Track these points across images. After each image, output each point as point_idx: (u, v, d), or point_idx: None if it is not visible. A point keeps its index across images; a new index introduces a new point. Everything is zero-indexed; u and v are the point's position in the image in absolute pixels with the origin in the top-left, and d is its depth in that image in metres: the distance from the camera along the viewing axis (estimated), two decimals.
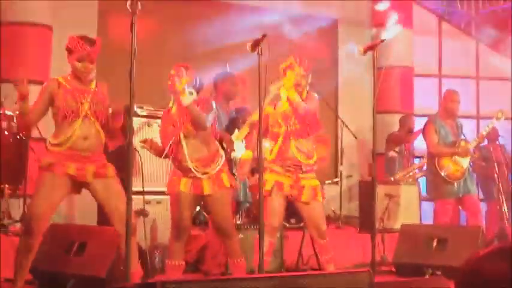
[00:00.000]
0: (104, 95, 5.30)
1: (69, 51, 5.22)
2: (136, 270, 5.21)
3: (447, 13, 12.98)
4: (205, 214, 7.14)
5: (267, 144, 6.02)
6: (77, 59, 5.19)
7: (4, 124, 7.17)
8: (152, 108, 7.04)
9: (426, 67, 12.11)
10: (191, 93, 5.38)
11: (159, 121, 6.52)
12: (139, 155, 6.43)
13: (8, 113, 7.21)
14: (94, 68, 5.29)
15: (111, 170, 5.25)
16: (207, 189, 5.53)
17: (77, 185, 5.25)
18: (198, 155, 5.52)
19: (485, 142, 9.65)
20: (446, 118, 8.10)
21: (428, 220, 9.23)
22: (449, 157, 7.94)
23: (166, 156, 5.57)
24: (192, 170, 5.46)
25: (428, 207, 9.99)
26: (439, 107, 8.24)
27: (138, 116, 6.82)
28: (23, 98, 5.07)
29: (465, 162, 7.97)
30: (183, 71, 5.41)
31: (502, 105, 11.29)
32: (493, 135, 10.39)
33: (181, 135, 5.48)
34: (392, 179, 9.35)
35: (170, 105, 5.67)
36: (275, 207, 5.84)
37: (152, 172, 6.87)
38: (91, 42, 5.23)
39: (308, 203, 5.85)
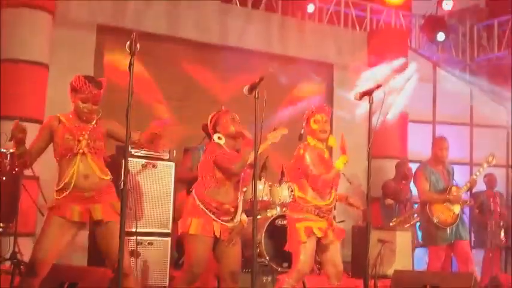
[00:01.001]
0: (101, 132, 5.28)
1: (74, 90, 5.19)
2: None
3: (442, 60, 13.08)
4: None
5: None
6: (82, 99, 5.17)
7: None
8: (148, 151, 7.02)
9: (421, 113, 12.16)
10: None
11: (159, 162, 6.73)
12: (133, 195, 6.42)
13: (2, 150, 7.18)
14: (97, 109, 5.27)
15: (117, 207, 5.09)
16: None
17: (84, 224, 5.24)
18: (235, 199, 5.60)
19: (484, 188, 9.67)
20: (436, 165, 8.11)
21: (421, 266, 9.19)
22: (441, 203, 7.95)
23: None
24: (233, 215, 5.53)
25: (421, 253, 9.97)
26: (430, 154, 8.25)
27: (135, 157, 6.80)
28: (20, 142, 5.04)
29: (457, 208, 7.98)
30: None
31: (496, 151, 11.35)
32: (491, 183, 10.42)
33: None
34: (391, 224, 9.36)
35: (219, 141, 5.67)
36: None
37: (145, 212, 6.83)
38: (97, 84, 5.21)
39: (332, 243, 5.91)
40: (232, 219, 5.55)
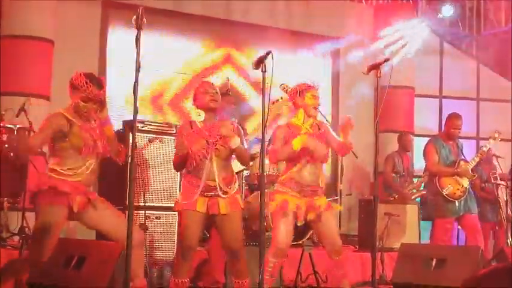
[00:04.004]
0: (103, 133, 5.28)
1: (75, 88, 5.13)
2: (140, 285, 5.25)
3: (449, 34, 13.01)
4: (205, 231, 7.11)
5: None
6: (82, 99, 5.10)
7: (4, 137, 7.15)
8: (156, 124, 7.02)
9: (427, 87, 12.14)
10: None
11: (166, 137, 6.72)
12: (140, 170, 6.45)
13: (9, 126, 7.20)
14: (97, 107, 5.21)
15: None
16: (224, 208, 5.51)
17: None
18: (223, 174, 5.52)
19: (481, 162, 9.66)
20: (448, 139, 8.15)
21: (426, 240, 9.23)
22: (450, 176, 7.99)
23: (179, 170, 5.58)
24: (217, 188, 5.45)
25: (426, 226, 9.99)
26: (443, 129, 8.27)
27: (142, 132, 6.80)
28: None
29: (465, 181, 8.04)
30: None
31: (502, 126, 11.32)
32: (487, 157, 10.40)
33: (212, 154, 5.47)
34: (391, 199, 9.36)
35: (197, 119, 5.64)
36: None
37: (152, 187, 6.85)
38: (99, 84, 5.16)
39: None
40: (217, 194, 5.51)
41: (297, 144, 5.76)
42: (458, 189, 7.99)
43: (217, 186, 5.44)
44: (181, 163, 5.53)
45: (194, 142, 5.42)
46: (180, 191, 5.67)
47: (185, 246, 5.51)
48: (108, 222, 5.21)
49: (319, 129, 6.03)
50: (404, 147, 10.24)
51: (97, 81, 5.17)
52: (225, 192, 5.49)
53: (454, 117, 8.29)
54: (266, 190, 5.30)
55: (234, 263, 5.64)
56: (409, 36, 11.43)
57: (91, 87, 5.08)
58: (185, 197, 5.51)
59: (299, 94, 5.98)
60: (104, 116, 5.22)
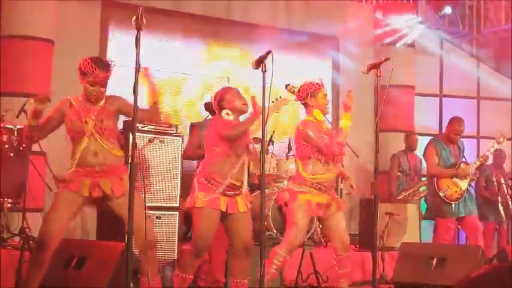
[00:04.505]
0: (110, 111, 5.33)
1: (82, 73, 5.23)
2: (156, 285, 5.37)
3: (449, 33, 13.01)
4: None
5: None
6: (89, 83, 5.22)
7: (4, 138, 7.15)
8: (155, 125, 7.01)
9: (427, 86, 12.13)
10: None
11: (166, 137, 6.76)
12: (141, 170, 6.44)
13: (9, 126, 7.20)
14: (105, 90, 5.34)
15: (127, 184, 5.21)
16: (242, 206, 5.57)
17: (96, 199, 5.32)
18: (240, 174, 5.58)
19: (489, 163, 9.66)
20: (448, 142, 8.14)
21: (427, 239, 9.23)
22: (449, 178, 8.00)
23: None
24: (243, 187, 5.56)
25: (426, 226, 10.00)
26: (443, 128, 8.27)
27: (142, 132, 6.78)
28: (38, 115, 5.14)
29: (464, 184, 8.04)
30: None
31: (502, 125, 11.33)
32: (499, 159, 10.42)
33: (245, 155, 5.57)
34: (398, 198, 9.41)
35: (227, 118, 5.66)
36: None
37: (152, 187, 6.84)
38: (105, 67, 5.25)
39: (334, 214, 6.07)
40: (239, 193, 5.56)
41: (346, 123, 5.97)
42: (456, 191, 7.99)
43: (242, 186, 5.53)
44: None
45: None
46: (194, 188, 5.62)
47: (202, 244, 5.53)
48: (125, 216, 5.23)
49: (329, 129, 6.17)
50: (410, 146, 10.28)
51: (103, 64, 5.27)
52: (240, 191, 5.58)
53: (455, 121, 8.22)
54: (266, 190, 5.33)
55: (241, 262, 5.66)
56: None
57: (96, 70, 5.18)
58: (206, 194, 5.49)
59: (311, 95, 6.03)
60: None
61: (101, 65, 5.23)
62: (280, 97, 5.74)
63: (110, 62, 5.34)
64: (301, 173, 6.02)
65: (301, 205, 5.93)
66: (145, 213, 5.17)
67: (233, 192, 5.53)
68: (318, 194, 5.96)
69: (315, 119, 6.05)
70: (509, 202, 9.68)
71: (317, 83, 6.08)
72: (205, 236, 5.50)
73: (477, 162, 8.18)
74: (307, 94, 6.05)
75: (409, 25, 11.51)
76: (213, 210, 5.47)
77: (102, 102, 5.33)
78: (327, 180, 6.00)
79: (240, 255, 5.66)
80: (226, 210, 5.50)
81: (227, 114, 5.64)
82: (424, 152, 8.43)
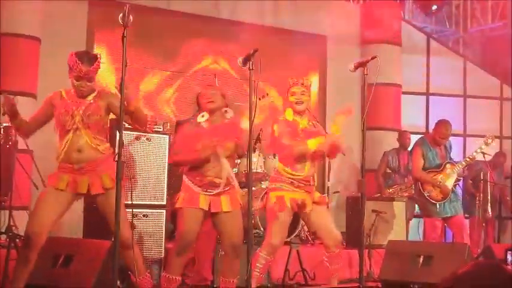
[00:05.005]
0: (99, 106, 5.29)
1: (69, 67, 5.20)
2: (145, 280, 5.42)
3: (435, 31, 13.07)
4: None
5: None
6: (75, 77, 5.19)
7: None
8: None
9: (414, 85, 12.17)
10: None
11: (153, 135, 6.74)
12: (127, 168, 6.42)
13: None
14: (93, 84, 5.29)
15: (108, 181, 5.19)
16: (226, 206, 5.54)
17: (80, 196, 5.33)
18: (228, 172, 5.55)
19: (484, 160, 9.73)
20: (434, 144, 8.16)
21: (414, 236, 9.27)
22: (432, 184, 8.03)
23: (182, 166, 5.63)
24: (221, 186, 5.48)
25: (416, 223, 10.06)
26: (430, 127, 8.28)
27: (129, 129, 6.77)
28: (13, 114, 5.11)
29: (449, 183, 8.03)
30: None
31: (489, 123, 11.39)
32: (498, 160, 10.51)
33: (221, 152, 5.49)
34: (388, 192, 9.47)
35: (200, 120, 5.66)
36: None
37: (139, 185, 6.83)
38: (89, 60, 5.18)
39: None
40: (224, 192, 5.54)
41: (312, 144, 5.83)
42: (440, 191, 8.02)
43: (222, 184, 5.47)
44: (189, 162, 5.56)
45: (199, 141, 5.49)
46: (181, 188, 5.64)
47: (183, 243, 5.53)
48: (112, 217, 5.19)
49: (314, 127, 6.09)
50: (403, 144, 10.32)
51: (88, 58, 5.22)
52: (225, 190, 5.54)
53: (442, 125, 8.19)
54: (253, 188, 5.32)
55: (230, 261, 5.65)
56: None
57: (80, 65, 5.13)
58: (186, 194, 5.53)
59: (287, 92, 6.06)
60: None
61: (85, 59, 5.17)
62: (267, 94, 5.76)
63: (96, 56, 5.29)
64: (278, 168, 6.05)
65: (275, 203, 5.91)
66: (132, 212, 5.16)
67: (214, 191, 5.50)
68: (292, 190, 5.94)
69: (285, 118, 6.05)
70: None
71: (292, 80, 6.09)
72: (186, 234, 5.51)
73: (463, 163, 8.20)
74: (286, 91, 6.11)
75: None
76: (192, 209, 5.48)
77: (92, 96, 5.29)
78: (303, 177, 5.96)
79: (228, 254, 5.66)
80: (210, 209, 5.51)
81: (202, 116, 5.67)
82: (410, 152, 8.46)
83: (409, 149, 10.28)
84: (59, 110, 5.22)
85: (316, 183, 6.17)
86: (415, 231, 9.98)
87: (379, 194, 9.75)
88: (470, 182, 10.26)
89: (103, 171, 5.21)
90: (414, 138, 8.66)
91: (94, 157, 5.23)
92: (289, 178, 5.92)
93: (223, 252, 5.83)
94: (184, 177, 5.61)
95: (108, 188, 5.18)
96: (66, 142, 5.18)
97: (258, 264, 5.86)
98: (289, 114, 6.04)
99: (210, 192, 5.49)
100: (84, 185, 5.20)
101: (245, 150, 5.75)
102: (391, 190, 9.73)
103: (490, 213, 9.87)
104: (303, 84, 6.07)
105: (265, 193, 6.23)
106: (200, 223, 5.56)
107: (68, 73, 5.24)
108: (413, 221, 10.03)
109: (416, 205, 9.16)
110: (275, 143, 5.99)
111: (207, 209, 5.49)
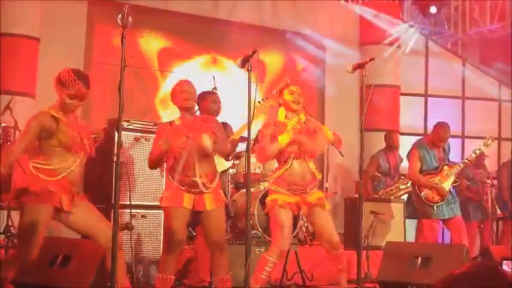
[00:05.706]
0: (87, 128, 5.31)
1: (62, 84, 5.04)
2: (124, 285, 5.26)
3: (434, 33, 13.07)
4: (190, 229, 7.11)
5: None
6: (69, 95, 5.03)
7: None
8: (142, 123, 7.00)
9: (413, 86, 12.18)
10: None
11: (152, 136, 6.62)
12: (126, 169, 6.42)
13: None
14: (82, 104, 5.24)
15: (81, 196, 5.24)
16: (209, 204, 5.57)
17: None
18: (207, 171, 5.56)
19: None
20: (432, 146, 8.15)
21: (412, 238, 9.26)
22: (428, 188, 8.03)
23: (156, 167, 5.65)
24: (200, 185, 5.48)
25: (409, 225, 10.04)
26: (428, 129, 8.27)
27: (127, 130, 6.77)
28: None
29: (446, 185, 8.03)
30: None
31: (487, 124, 11.38)
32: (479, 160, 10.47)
33: (193, 150, 5.49)
34: (376, 196, 9.44)
35: (174, 118, 5.70)
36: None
37: (138, 186, 6.83)
38: (86, 82, 5.07)
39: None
40: (207, 191, 5.56)
41: (283, 139, 5.83)
42: (437, 193, 8.02)
43: (200, 183, 5.47)
44: (158, 160, 5.59)
45: (174, 139, 5.48)
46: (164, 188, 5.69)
47: (171, 241, 5.56)
48: (90, 224, 5.20)
49: (305, 124, 6.08)
50: (391, 145, 10.28)
51: (84, 79, 5.11)
52: (207, 188, 5.54)
53: (441, 128, 8.16)
54: (252, 189, 5.33)
55: (218, 257, 5.68)
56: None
57: (79, 84, 5.03)
58: (170, 193, 5.57)
59: (279, 93, 6.07)
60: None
61: (82, 78, 5.07)
62: (266, 98, 5.77)
63: (88, 76, 5.19)
64: (275, 170, 6.14)
65: (273, 207, 5.95)
66: (130, 212, 5.16)
67: (198, 189, 5.53)
68: (286, 193, 5.96)
69: (277, 119, 6.06)
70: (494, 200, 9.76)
71: (284, 81, 6.12)
72: (174, 233, 5.54)
73: (461, 164, 8.19)
74: (277, 93, 6.10)
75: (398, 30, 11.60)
76: (176, 208, 5.52)
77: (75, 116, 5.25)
78: (298, 180, 5.98)
79: (213, 251, 5.70)
80: (194, 208, 5.54)
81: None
82: (407, 155, 8.42)
83: (398, 151, 10.27)
84: (66, 133, 5.07)
85: (319, 176, 6.22)
86: (410, 233, 9.98)
87: (377, 195, 9.73)
88: (468, 183, 10.22)
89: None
90: (413, 140, 8.62)
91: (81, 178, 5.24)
92: (287, 184, 5.96)
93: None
94: (168, 175, 5.64)
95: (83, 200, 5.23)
96: (76, 162, 5.12)
97: (266, 268, 5.91)
98: (281, 115, 6.06)
99: (194, 191, 5.53)
100: (70, 202, 5.16)
101: (227, 149, 5.79)
102: (380, 193, 9.66)
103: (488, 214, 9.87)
104: (300, 87, 6.14)
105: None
106: (186, 221, 5.61)
107: (58, 89, 5.07)
108: (412, 222, 10.02)
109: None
110: (255, 146, 6.11)
111: (191, 208, 5.53)
